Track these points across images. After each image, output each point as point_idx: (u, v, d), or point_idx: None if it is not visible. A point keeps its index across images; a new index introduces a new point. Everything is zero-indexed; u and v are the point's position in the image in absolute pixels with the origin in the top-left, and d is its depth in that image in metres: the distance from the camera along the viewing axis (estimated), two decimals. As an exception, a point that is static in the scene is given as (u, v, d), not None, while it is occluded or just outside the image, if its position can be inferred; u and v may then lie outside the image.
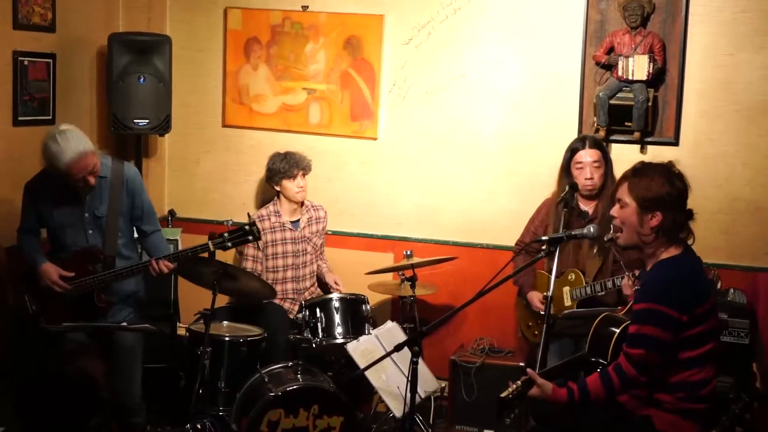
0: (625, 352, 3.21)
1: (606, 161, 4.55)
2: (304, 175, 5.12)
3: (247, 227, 4.12)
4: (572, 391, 3.25)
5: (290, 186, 5.08)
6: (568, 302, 4.49)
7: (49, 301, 4.21)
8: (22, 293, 4.24)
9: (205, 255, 4.17)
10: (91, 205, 4.26)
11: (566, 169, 4.56)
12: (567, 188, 4.43)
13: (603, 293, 4.35)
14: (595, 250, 4.47)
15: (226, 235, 4.13)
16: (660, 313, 3.13)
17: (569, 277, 4.50)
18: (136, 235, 4.46)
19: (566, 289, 4.49)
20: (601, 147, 4.58)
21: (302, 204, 5.19)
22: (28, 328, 4.19)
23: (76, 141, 4.04)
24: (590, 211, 4.51)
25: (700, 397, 3.22)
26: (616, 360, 3.26)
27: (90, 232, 4.27)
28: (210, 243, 4.12)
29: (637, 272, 4.15)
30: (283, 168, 5.08)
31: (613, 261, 4.46)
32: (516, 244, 4.82)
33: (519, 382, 3.34)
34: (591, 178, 4.49)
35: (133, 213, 4.35)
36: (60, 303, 4.20)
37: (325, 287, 5.21)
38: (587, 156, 4.51)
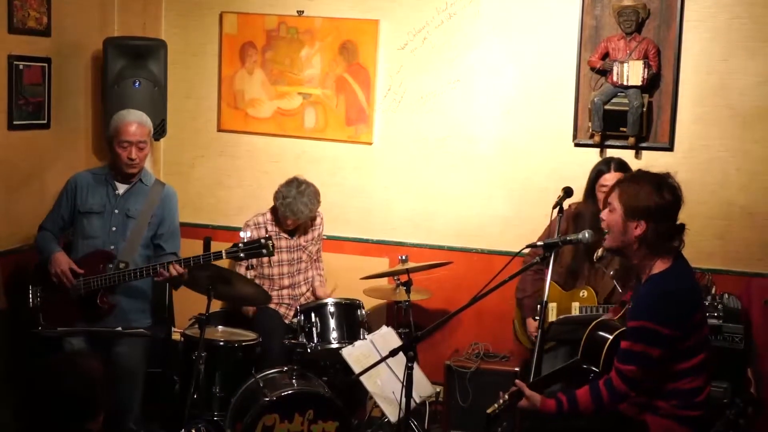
0: (616, 367, 3.20)
1: None
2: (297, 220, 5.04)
3: (262, 241, 4.14)
4: (561, 401, 3.26)
5: (282, 219, 5.04)
6: None
7: (53, 295, 4.23)
8: (27, 285, 4.27)
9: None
10: (124, 204, 4.34)
11: (590, 189, 4.53)
12: (562, 193, 4.44)
13: None
14: (611, 273, 4.46)
15: (240, 245, 4.16)
16: (652, 331, 3.12)
17: (581, 294, 4.47)
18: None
19: (576, 304, 4.45)
20: (626, 170, 4.49)
21: None
22: (25, 332, 4.18)
23: (140, 114, 4.38)
24: None
25: (695, 404, 3.22)
26: (607, 368, 3.26)
27: (114, 228, 4.31)
28: (224, 252, 4.17)
29: None
30: (281, 210, 4.97)
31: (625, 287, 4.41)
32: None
33: (507, 395, 3.34)
34: None
35: (159, 229, 4.40)
36: (63, 299, 4.22)
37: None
38: (612, 179, 4.39)
